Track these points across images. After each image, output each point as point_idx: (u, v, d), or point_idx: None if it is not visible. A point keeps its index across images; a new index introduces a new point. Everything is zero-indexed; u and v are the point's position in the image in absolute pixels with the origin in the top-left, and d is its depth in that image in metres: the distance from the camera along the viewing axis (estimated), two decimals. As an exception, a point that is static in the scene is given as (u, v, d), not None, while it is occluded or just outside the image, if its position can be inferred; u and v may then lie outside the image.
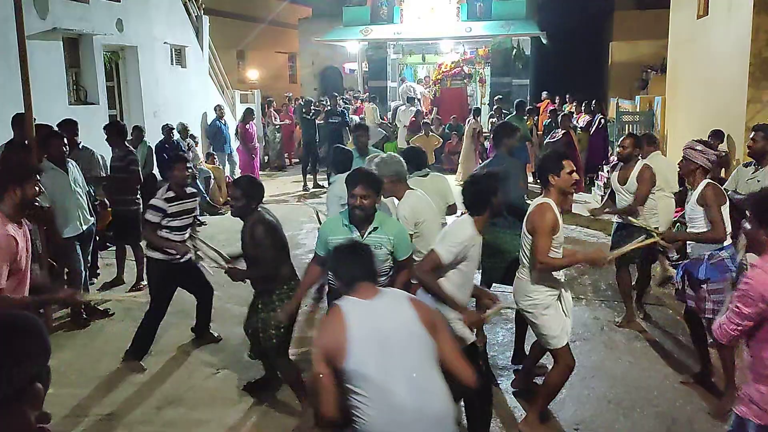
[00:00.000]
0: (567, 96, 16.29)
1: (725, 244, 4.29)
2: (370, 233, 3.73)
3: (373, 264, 2.80)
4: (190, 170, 5.37)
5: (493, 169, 4.23)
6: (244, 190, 4.14)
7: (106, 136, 6.92)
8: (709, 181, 4.39)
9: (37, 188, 3.59)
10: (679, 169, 4.79)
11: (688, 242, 4.67)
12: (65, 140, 5.85)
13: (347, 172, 4.19)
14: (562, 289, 4.01)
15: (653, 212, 5.58)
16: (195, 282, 5.36)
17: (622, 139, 5.94)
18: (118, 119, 10.69)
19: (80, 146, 6.66)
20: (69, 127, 6.57)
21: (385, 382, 2.45)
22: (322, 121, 13.61)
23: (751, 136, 5.32)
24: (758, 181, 5.06)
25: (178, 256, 5.08)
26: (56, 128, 6.25)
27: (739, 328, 2.68)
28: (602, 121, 12.85)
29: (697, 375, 4.68)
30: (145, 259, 5.48)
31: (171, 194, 5.07)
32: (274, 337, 4.12)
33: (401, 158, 4.43)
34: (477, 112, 14.15)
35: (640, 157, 5.68)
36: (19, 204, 3.48)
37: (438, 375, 2.58)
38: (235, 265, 4.37)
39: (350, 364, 2.48)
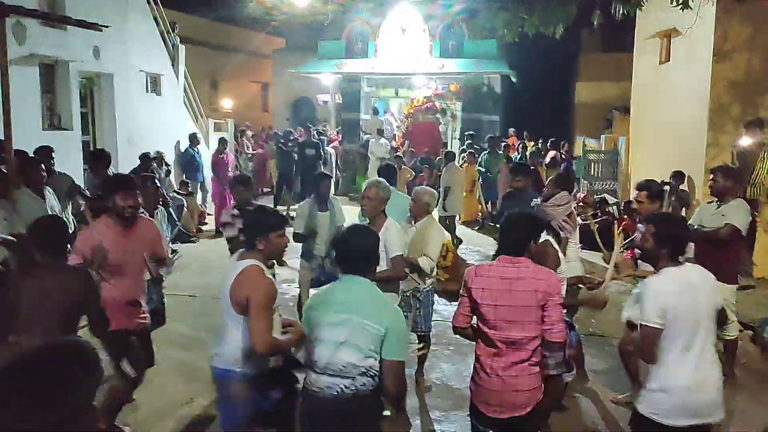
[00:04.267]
0: (525, 134, 16.75)
1: None
2: None
3: None
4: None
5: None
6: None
7: (89, 163, 6.94)
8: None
9: None
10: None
11: None
12: (42, 166, 5.88)
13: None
14: None
15: None
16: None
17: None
18: (92, 146, 10.68)
19: (56, 172, 6.67)
20: (44, 153, 6.59)
21: None
22: (295, 153, 13.75)
23: (710, 178, 5.58)
24: (723, 215, 5.28)
25: None
26: (33, 154, 6.26)
27: None
28: (562, 156, 13.35)
29: None
30: None
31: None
32: None
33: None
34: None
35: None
36: None
37: None
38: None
39: None
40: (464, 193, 11.99)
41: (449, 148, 16.24)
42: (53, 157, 6.71)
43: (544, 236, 3.95)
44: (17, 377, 1.10)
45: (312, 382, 2.97)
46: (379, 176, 5.64)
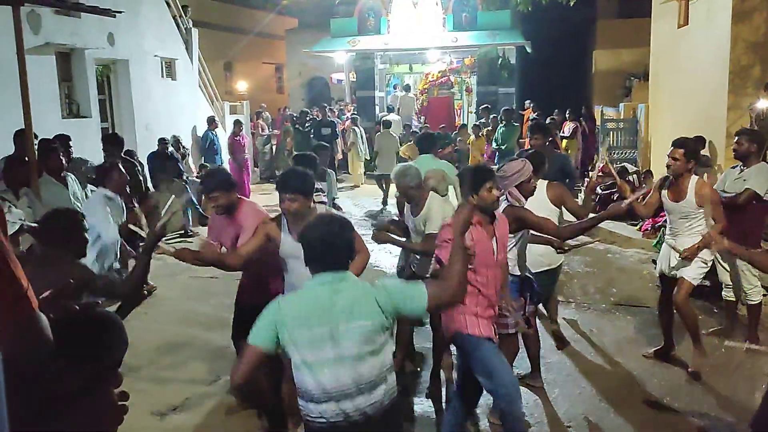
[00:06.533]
0: (532, 105, 16.17)
1: None
2: None
3: None
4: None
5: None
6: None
7: (103, 147, 7.05)
8: None
9: None
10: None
11: None
12: (62, 153, 5.97)
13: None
14: None
15: None
16: None
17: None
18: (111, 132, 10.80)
19: (75, 158, 6.79)
20: (62, 141, 6.69)
21: None
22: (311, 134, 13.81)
23: (735, 140, 5.52)
24: (744, 180, 5.27)
25: None
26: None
27: None
28: (582, 127, 13.14)
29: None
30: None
31: None
32: None
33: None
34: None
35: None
36: None
37: None
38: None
39: None
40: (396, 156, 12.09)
41: (463, 122, 16.11)
42: (70, 146, 6.81)
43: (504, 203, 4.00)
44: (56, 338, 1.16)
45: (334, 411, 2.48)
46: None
